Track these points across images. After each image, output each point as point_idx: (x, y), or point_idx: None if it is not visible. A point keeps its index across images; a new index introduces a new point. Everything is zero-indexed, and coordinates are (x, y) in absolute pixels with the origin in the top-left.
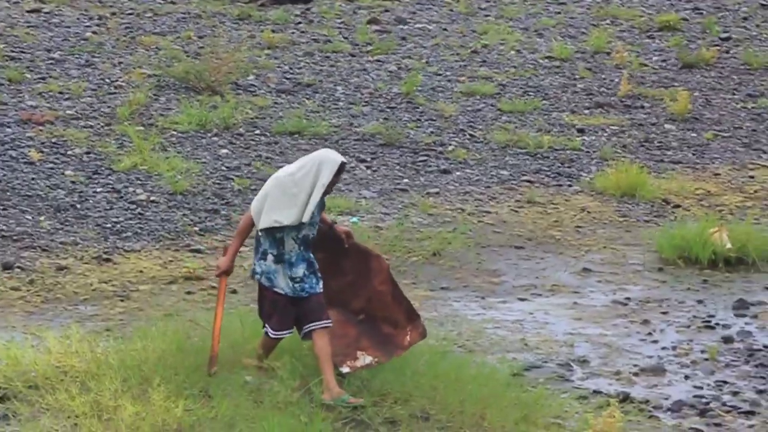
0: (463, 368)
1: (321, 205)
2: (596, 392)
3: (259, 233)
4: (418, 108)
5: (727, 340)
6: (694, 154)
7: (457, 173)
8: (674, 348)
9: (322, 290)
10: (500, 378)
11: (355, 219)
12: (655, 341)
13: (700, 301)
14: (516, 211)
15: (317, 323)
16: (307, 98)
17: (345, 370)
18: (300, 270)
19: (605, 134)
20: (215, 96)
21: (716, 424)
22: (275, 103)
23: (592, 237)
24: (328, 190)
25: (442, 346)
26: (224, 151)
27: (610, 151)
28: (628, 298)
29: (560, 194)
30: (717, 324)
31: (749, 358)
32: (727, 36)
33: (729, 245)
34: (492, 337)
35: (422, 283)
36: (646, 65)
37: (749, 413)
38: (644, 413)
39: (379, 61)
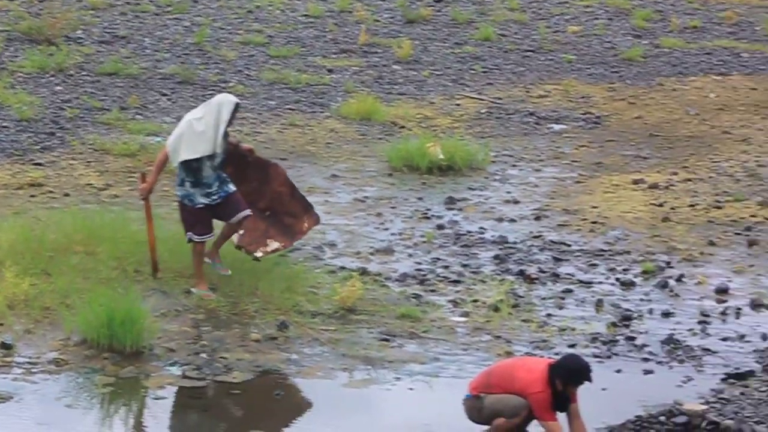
0: (240, 252)
1: (225, 135)
2: (342, 268)
3: (179, 165)
4: (206, 54)
5: (440, 227)
6: (415, 88)
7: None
8: (401, 234)
9: (235, 189)
10: (269, 258)
11: (159, 138)
12: (386, 229)
13: (420, 199)
14: (281, 132)
15: (240, 214)
16: (122, 47)
17: (259, 254)
18: (214, 186)
19: (348, 73)
20: (52, 46)
21: (432, 290)
22: (98, 51)
23: (339, 151)
24: (229, 124)
25: None
26: (59, 88)
27: (352, 86)
28: (366, 197)
29: (315, 119)
30: (432, 215)
31: (456, 240)
32: None
33: (441, 156)
34: None
35: None
36: (378, 21)
37: (456, 281)
38: (378, 283)
39: (177, 18)
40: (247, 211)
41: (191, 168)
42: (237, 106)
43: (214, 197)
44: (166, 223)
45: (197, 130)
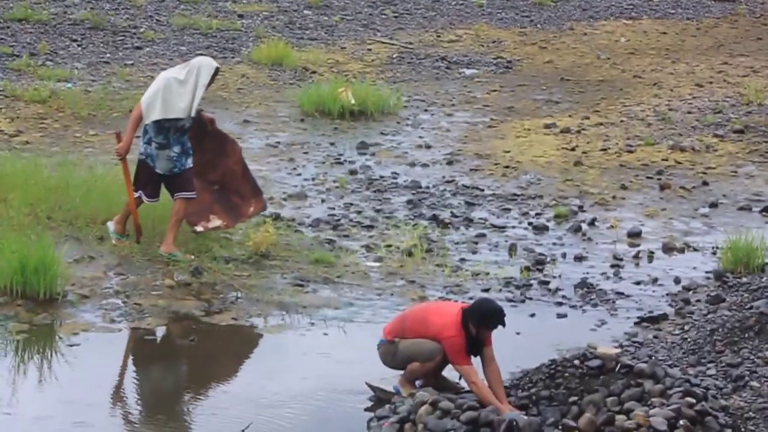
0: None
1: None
2: None
3: (150, 124)
4: None
5: (353, 172)
6: (326, 33)
7: (147, 49)
8: (313, 179)
9: (191, 166)
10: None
11: (69, 85)
12: (299, 174)
13: (332, 144)
14: None
15: (185, 193)
16: None
17: (199, 229)
18: (175, 150)
19: (259, 18)
20: None
21: (345, 235)
22: None
23: (250, 96)
24: (206, 89)
25: None
26: None
27: (263, 31)
28: (278, 142)
29: (225, 64)
30: (345, 160)
31: (369, 185)
32: None
33: (353, 101)
34: None
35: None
36: None
37: (369, 226)
38: (291, 228)
39: None
40: (192, 194)
41: (161, 128)
42: (217, 71)
43: (172, 165)
44: (78, 170)
45: (177, 90)
